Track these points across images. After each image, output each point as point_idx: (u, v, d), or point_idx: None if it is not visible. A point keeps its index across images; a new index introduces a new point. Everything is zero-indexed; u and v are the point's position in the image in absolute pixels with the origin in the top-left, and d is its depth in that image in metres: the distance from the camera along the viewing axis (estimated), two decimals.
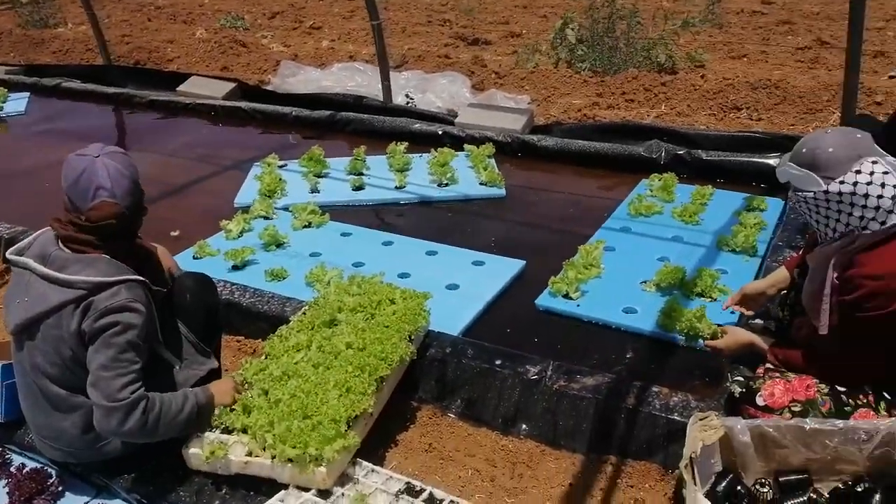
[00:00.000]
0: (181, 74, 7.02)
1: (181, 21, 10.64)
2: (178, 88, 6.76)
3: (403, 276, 3.40)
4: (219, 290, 2.65)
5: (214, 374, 2.37)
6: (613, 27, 7.19)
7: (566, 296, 3.17)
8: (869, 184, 1.94)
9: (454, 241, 3.77)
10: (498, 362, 2.59)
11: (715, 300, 3.07)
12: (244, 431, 2.17)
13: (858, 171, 1.94)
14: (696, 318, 2.58)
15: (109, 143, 2.21)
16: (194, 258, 3.65)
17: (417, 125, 5.50)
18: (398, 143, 5.01)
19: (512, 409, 2.51)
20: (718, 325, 2.54)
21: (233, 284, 3.20)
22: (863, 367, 2.07)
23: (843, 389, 2.09)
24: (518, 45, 8.22)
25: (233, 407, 2.22)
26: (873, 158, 1.97)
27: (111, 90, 6.95)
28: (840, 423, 1.97)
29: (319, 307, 2.67)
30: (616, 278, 3.29)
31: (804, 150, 2.02)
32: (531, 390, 2.49)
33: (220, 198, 4.51)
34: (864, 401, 2.07)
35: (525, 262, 3.50)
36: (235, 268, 3.52)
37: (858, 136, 2.01)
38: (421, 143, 5.24)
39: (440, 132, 5.38)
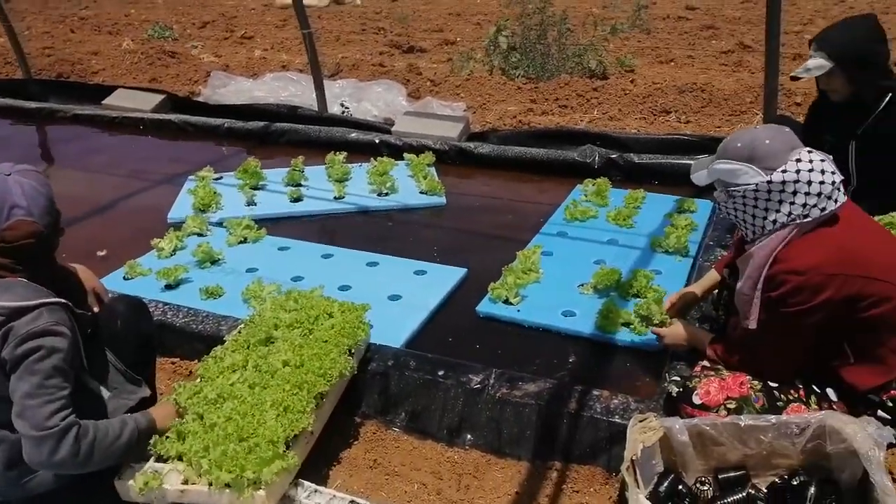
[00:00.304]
0: (107, 87, 6.80)
1: (106, 32, 10.32)
2: (103, 102, 6.54)
3: (344, 288, 3.34)
4: (151, 310, 2.55)
5: (147, 403, 2.27)
6: (545, 34, 7.29)
7: (506, 301, 3.17)
8: (811, 171, 1.98)
9: (395, 250, 3.74)
10: (441, 373, 2.56)
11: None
12: (180, 459, 2.08)
13: (799, 160, 1.99)
14: (655, 300, 2.63)
15: (32, 161, 2.10)
16: (125, 279, 3.51)
17: (354, 134, 5.46)
18: (337, 153, 4.96)
19: (456, 420, 2.49)
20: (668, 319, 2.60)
21: (165, 304, 3.09)
22: (791, 361, 2.12)
23: (775, 385, 2.13)
24: (452, 52, 8.25)
25: (167, 434, 2.13)
26: (808, 149, 2.03)
27: (32, 105, 6.68)
28: (773, 418, 2.01)
29: (255, 325, 2.60)
30: (554, 282, 3.31)
31: (739, 145, 2.05)
32: (475, 399, 2.47)
33: (152, 214, 4.36)
34: (796, 395, 2.12)
35: (467, 269, 3.49)
36: (169, 287, 3.40)
37: (787, 130, 2.07)
38: (358, 152, 5.20)
39: (377, 141, 5.35)
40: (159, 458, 2.10)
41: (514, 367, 2.66)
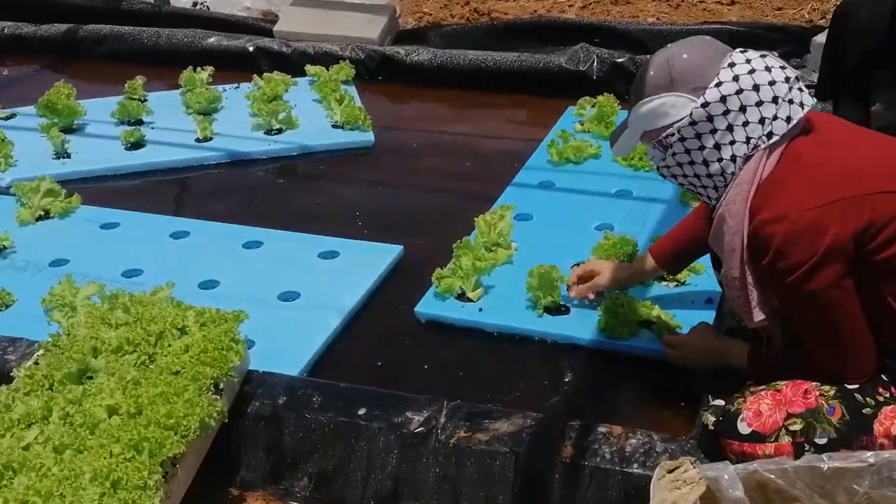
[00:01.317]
0: None
1: None
2: None
3: (208, 286, 3.34)
4: None
5: None
6: None
7: (462, 296, 3.16)
8: (752, 72, 2.15)
9: (292, 222, 3.75)
10: (362, 412, 2.55)
11: (682, 283, 3.14)
12: None
13: (732, 64, 2.16)
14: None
15: None
16: None
17: (213, 39, 5.43)
18: (201, 69, 4.95)
19: (389, 483, 2.50)
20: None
21: None
22: (854, 345, 2.19)
23: (853, 386, 2.20)
24: None
25: None
26: (739, 49, 2.21)
27: None
28: (870, 455, 2.03)
29: (61, 351, 2.55)
30: (535, 262, 3.22)
31: (652, 73, 2.23)
32: (417, 450, 2.48)
33: None
34: (887, 395, 2.18)
35: (402, 247, 3.51)
36: None
37: (706, 37, 2.27)
38: (224, 67, 5.16)
39: (251, 49, 5.34)
40: None
41: (476, 398, 2.67)
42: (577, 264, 3.12)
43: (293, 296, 3.25)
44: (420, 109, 4.81)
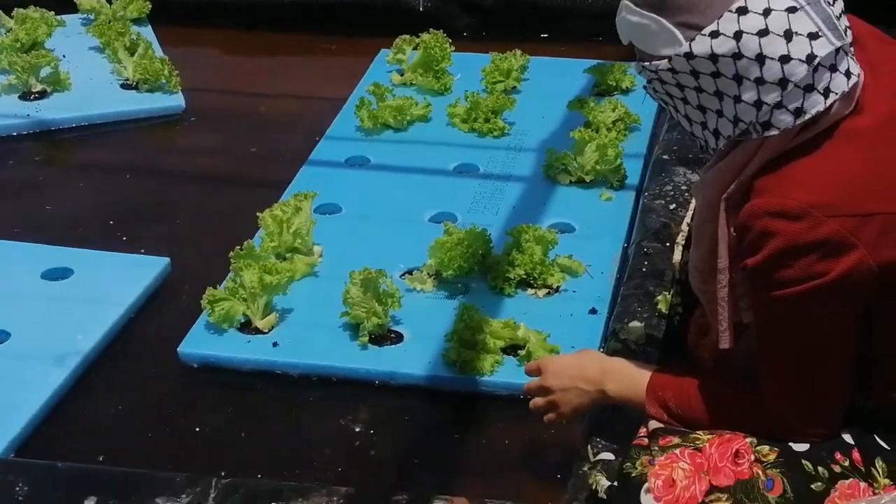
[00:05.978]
0: None
1: None
2: None
3: None
4: None
5: None
6: None
7: (246, 326, 3.15)
8: (763, 33, 2.03)
9: (12, 225, 3.79)
10: (91, 502, 2.47)
11: (556, 290, 3.18)
12: None
13: (743, 10, 2.04)
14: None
15: None
16: None
17: None
18: None
19: None
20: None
21: None
22: (825, 400, 2.19)
23: (802, 449, 2.19)
24: None
25: None
26: None
27: None
28: None
29: None
30: (344, 271, 3.24)
31: None
32: None
33: None
34: (845, 463, 2.18)
35: (169, 259, 3.54)
36: None
37: None
38: None
39: None
40: None
41: (264, 469, 2.71)
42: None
43: (2, 337, 3.21)
44: (172, 59, 4.74)
